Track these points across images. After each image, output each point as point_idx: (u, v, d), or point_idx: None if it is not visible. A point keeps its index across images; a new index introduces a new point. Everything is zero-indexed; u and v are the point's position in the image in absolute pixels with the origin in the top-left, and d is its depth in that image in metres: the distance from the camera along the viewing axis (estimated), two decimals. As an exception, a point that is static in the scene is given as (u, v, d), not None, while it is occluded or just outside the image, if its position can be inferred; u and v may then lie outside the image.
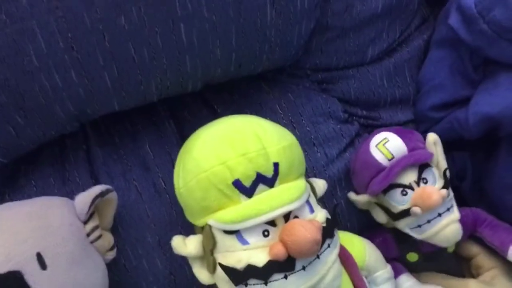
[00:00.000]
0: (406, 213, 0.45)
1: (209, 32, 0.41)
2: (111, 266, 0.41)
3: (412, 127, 0.56)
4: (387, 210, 0.47)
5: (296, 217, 0.37)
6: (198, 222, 0.39)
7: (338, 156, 0.51)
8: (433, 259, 0.48)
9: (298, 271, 0.36)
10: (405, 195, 0.45)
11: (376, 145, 0.46)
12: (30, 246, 0.35)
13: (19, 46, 0.36)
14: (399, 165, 0.44)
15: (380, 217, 0.48)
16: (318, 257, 0.36)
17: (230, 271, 0.36)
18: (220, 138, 0.38)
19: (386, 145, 0.46)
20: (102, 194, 0.40)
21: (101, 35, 0.38)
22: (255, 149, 0.37)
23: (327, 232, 0.38)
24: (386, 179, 0.44)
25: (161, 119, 0.50)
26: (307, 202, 0.39)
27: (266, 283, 0.35)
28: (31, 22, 0.36)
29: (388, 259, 0.48)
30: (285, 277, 0.35)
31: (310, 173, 0.48)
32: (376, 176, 0.46)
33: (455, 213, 0.45)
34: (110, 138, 0.48)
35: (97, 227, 0.40)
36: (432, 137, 0.47)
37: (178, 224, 0.45)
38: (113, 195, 0.42)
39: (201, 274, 0.39)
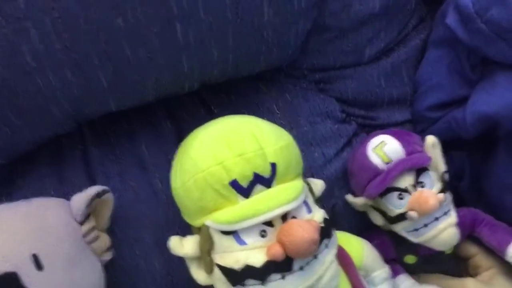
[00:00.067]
0: (402, 217, 0.45)
1: (206, 32, 0.41)
2: (108, 266, 0.41)
3: (410, 127, 0.55)
4: (383, 213, 0.47)
5: (293, 217, 0.37)
6: (195, 222, 0.39)
7: (336, 156, 0.51)
8: (431, 261, 0.48)
9: (295, 271, 0.36)
10: (401, 199, 0.45)
11: (374, 149, 0.46)
12: (26, 247, 0.35)
13: (15, 46, 0.36)
14: (396, 169, 0.44)
15: (377, 220, 0.48)
16: (315, 257, 0.36)
17: (227, 272, 0.36)
18: (217, 138, 0.38)
19: (384, 149, 0.46)
20: (98, 195, 0.40)
21: (97, 35, 0.38)
22: (252, 150, 0.36)
23: (325, 232, 0.38)
24: (383, 183, 0.44)
25: (158, 120, 0.50)
26: (305, 202, 0.39)
27: (264, 284, 0.35)
28: (27, 22, 0.36)
29: (386, 261, 0.48)
30: (283, 277, 0.35)
31: (307, 173, 0.48)
32: (373, 180, 0.45)
33: (452, 217, 0.45)
34: (106, 138, 0.48)
35: (93, 228, 0.40)
36: (430, 139, 0.47)
37: (175, 225, 0.45)
38: (110, 196, 0.42)
39: (198, 274, 0.39)
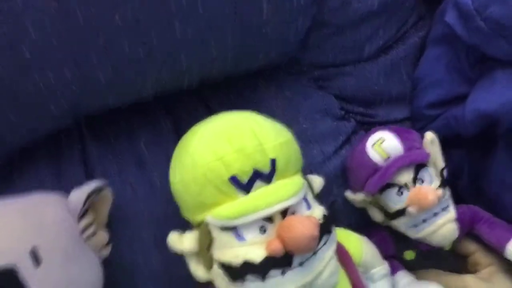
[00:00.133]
0: (402, 212, 0.45)
1: (205, 29, 0.41)
2: (106, 263, 0.41)
3: (409, 124, 0.56)
4: (383, 209, 0.47)
5: (293, 213, 0.37)
6: (194, 218, 0.39)
7: (335, 153, 0.51)
8: (431, 257, 0.48)
9: (295, 267, 0.35)
10: (400, 195, 0.45)
11: (373, 145, 0.46)
12: (24, 242, 0.34)
13: (12, 43, 0.36)
14: (395, 165, 0.44)
15: (376, 216, 0.48)
16: (315, 253, 0.36)
17: (227, 268, 0.36)
18: (216, 134, 0.38)
19: (382, 145, 0.46)
20: (97, 191, 0.40)
21: (96, 32, 0.37)
22: (252, 145, 0.36)
23: (324, 228, 0.37)
24: (382, 179, 0.44)
25: (157, 118, 0.50)
26: (304, 198, 0.38)
27: (263, 279, 0.35)
28: (25, 19, 0.36)
29: (385, 257, 0.47)
30: (282, 273, 0.35)
31: (306, 170, 0.48)
32: (372, 176, 0.46)
33: (451, 213, 0.45)
34: (105, 136, 0.48)
35: (91, 224, 0.40)
36: (429, 136, 0.47)
37: (174, 222, 0.44)
38: (108, 192, 0.42)
39: (198, 270, 0.39)
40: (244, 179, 0.36)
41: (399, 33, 0.54)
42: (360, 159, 0.47)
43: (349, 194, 0.49)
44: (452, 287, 0.46)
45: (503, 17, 0.43)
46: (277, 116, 0.48)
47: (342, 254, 0.42)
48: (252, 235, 0.36)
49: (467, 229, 0.49)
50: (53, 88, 0.39)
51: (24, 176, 0.45)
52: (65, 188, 0.41)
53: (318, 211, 0.39)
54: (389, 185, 0.45)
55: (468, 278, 0.46)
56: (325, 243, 0.37)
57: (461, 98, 0.50)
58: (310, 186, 0.41)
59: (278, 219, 0.36)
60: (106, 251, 0.42)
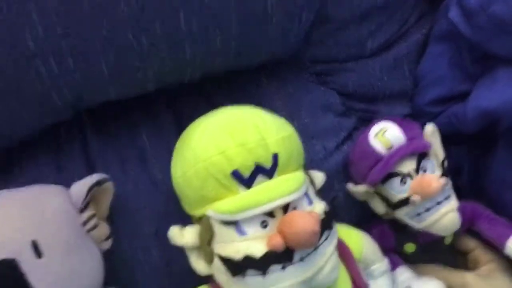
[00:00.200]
0: (405, 202, 0.45)
1: (209, 21, 0.41)
2: (107, 256, 0.41)
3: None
4: (386, 200, 0.47)
5: (294, 208, 0.37)
6: (196, 212, 0.39)
7: (336, 149, 0.51)
8: (431, 250, 0.49)
9: (296, 262, 0.36)
10: (404, 184, 0.45)
11: (375, 135, 0.46)
12: (26, 234, 0.35)
13: (15, 32, 0.36)
14: (398, 154, 0.45)
15: (379, 207, 0.48)
16: (316, 248, 0.36)
17: (227, 262, 0.36)
18: (219, 128, 0.38)
19: (385, 135, 0.46)
20: (98, 183, 0.40)
21: (100, 21, 0.37)
22: (254, 140, 0.36)
23: (326, 224, 0.38)
24: (385, 168, 0.45)
25: (159, 111, 0.49)
26: (306, 194, 0.38)
27: (264, 274, 0.35)
28: (28, 7, 0.35)
29: (385, 251, 0.48)
30: (283, 268, 0.35)
31: (308, 165, 0.48)
32: (375, 166, 0.46)
33: (453, 202, 0.46)
34: (107, 129, 0.48)
35: (93, 216, 0.40)
36: (430, 127, 0.48)
37: (175, 216, 0.45)
38: (110, 184, 0.42)
39: (198, 265, 0.39)
40: (246, 173, 0.36)
41: (402, 29, 0.54)
42: (362, 149, 0.47)
43: (351, 186, 0.49)
44: (451, 284, 0.46)
45: (507, 14, 0.43)
46: (279, 111, 0.48)
47: (343, 250, 0.42)
48: (253, 230, 0.36)
49: (467, 225, 0.49)
50: (56, 77, 0.39)
51: (25, 169, 0.45)
52: (66, 181, 0.41)
53: (319, 207, 0.39)
54: (392, 175, 0.45)
55: (468, 275, 0.46)
56: (326, 239, 0.37)
57: (463, 96, 0.50)
58: (311, 181, 0.41)
59: (279, 214, 0.36)
60: (108, 244, 0.42)
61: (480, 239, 0.49)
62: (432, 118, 0.53)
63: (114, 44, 0.39)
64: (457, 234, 0.48)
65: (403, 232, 0.48)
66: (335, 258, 0.38)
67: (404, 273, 0.48)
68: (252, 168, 0.36)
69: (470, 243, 0.50)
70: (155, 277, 0.45)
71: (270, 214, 0.36)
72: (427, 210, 0.45)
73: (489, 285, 0.46)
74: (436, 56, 0.53)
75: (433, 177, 0.44)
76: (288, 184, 0.37)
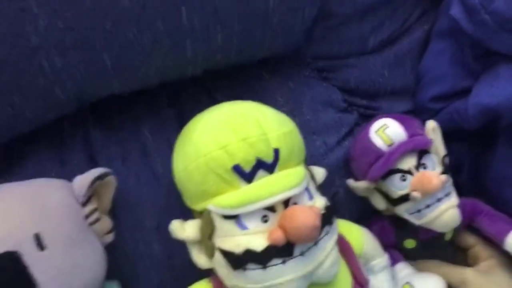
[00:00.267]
0: (405, 198, 0.45)
1: (211, 17, 0.41)
2: (108, 250, 0.41)
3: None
4: (386, 196, 0.47)
5: (295, 203, 0.37)
6: (197, 206, 0.39)
7: (337, 145, 0.51)
8: (430, 246, 0.49)
9: (296, 256, 0.36)
10: (404, 180, 0.45)
11: (376, 131, 0.46)
12: (28, 227, 0.35)
13: (18, 26, 0.36)
14: (398, 150, 0.45)
15: (379, 203, 0.48)
16: (316, 243, 0.37)
17: (228, 256, 0.36)
18: (220, 123, 0.38)
19: (386, 131, 0.46)
20: (101, 177, 0.40)
21: (103, 16, 0.37)
22: (255, 134, 0.37)
23: (326, 219, 0.38)
24: (386, 165, 0.45)
25: (161, 105, 0.50)
26: (307, 189, 0.39)
27: (264, 268, 0.35)
28: (31, 1, 0.35)
29: (386, 246, 0.48)
30: (284, 262, 0.35)
31: (309, 161, 0.48)
32: (376, 162, 0.46)
33: (454, 199, 0.46)
34: (109, 123, 0.48)
35: (95, 209, 0.40)
36: (431, 124, 0.48)
37: (176, 210, 0.45)
38: (112, 178, 0.42)
39: (199, 258, 0.39)
40: (247, 168, 0.36)
41: (404, 26, 0.54)
42: (363, 145, 0.47)
43: (351, 182, 0.49)
44: (451, 279, 0.46)
45: (508, 11, 0.43)
46: (281, 107, 0.48)
47: (343, 245, 0.42)
48: (254, 224, 0.36)
49: (468, 221, 0.49)
50: (58, 71, 0.39)
51: (27, 163, 0.45)
52: (69, 175, 0.41)
53: (320, 202, 0.39)
54: (392, 171, 0.45)
55: (467, 271, 0.46)
56: (326, 234, 0.38)
57: (464, 92, 0.50)
58: (312, 177, 0.42)
59: (280, 209, 0.36)
60: (110, 238, 0.42)
61: (480, 235, 0.49)
62: (433, 114, 0.54)
63: (117, 39, 0.39)
64: (457, 230, 0.49)
65: (403, 228, 0.48)
66: (335, 253, 0.38)
67: (404, 269, 0.48)
68: (253, 163, 0.36)
69: (470, 239, 0.50)
70: (157, 271, 0.46)
71: (271, 208, 0.36)
72: (428, 206, 0.45)
73: (488, 281, 0.46)
74: (438, 52, 0.53)
75: (433, 174, 0.44)
76: (289, 179, 0.37)
